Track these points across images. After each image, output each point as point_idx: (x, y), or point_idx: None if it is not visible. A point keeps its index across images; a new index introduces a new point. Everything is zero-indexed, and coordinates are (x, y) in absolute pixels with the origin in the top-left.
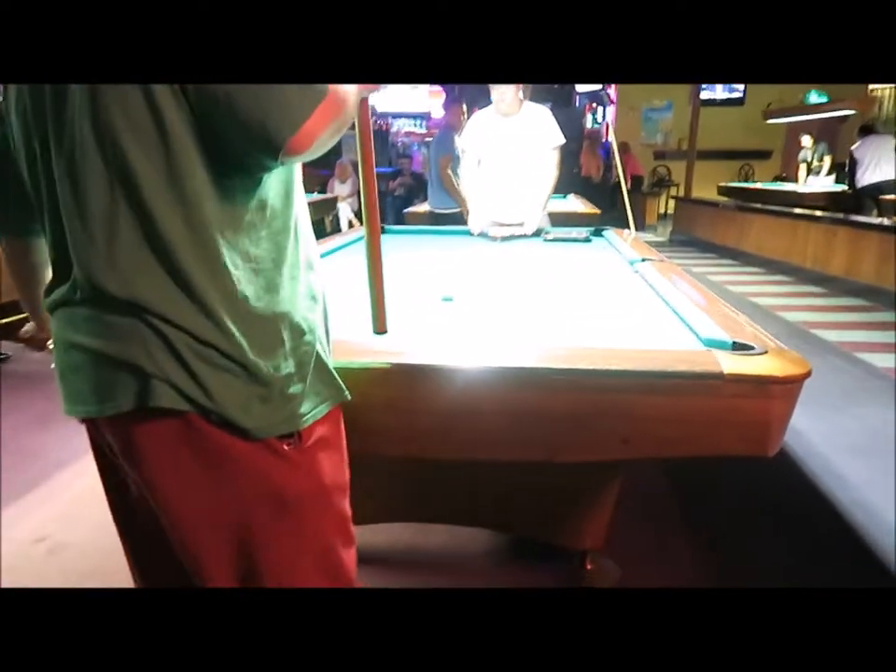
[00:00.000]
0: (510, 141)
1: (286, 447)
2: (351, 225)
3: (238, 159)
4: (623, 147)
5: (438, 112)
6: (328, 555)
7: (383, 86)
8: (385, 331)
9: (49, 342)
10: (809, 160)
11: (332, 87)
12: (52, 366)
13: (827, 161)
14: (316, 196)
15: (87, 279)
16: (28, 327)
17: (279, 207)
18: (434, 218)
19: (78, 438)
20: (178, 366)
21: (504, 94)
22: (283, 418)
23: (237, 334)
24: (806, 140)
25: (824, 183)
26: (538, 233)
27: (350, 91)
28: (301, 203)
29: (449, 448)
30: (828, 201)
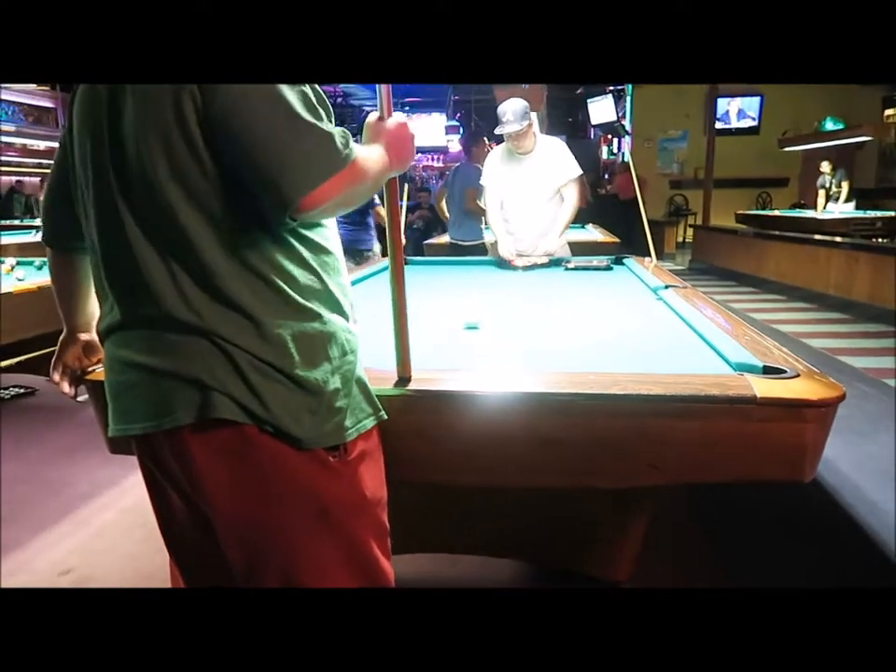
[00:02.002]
0: (527, 179)
1: (331, 458)
2: None
3: (256, 209)
4: (624, 168)
5: (455, 147)
6: (367, 565)
7: (413, 163)
8: (409, 377)
9: (93, 367)
10: (828, 186)
11: (358, 158)
12: (82, 398)
13: (845, 186)
14: None
15: (155, 304)
16: (62, 363)
17: (324, 239)
18: (455, 249)
19: (103, 471)
20: (237, 379)
21: (518, 141)
22: (330, 430)
23: (291, 352)
24: (826, 166)
25: (843, 209)
26: (558, 262)
27: (375, 169)
28: (336, 236)
29: (478, 475)
30: (849, 226)
